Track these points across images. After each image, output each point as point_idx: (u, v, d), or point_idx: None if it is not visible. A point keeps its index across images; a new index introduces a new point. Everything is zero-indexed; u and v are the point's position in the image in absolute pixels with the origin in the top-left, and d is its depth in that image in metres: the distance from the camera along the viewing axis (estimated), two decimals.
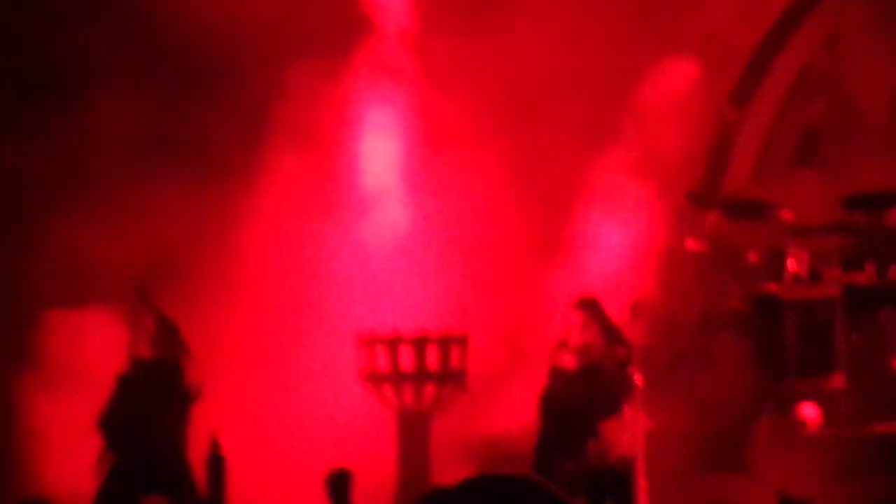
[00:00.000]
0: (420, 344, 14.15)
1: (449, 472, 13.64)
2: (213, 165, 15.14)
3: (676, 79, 16.15)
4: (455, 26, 15.29)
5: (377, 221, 15.44)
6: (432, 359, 14.16)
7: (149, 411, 12.33)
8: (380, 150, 15.94)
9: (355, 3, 15.90)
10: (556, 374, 12.72)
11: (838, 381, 13.67)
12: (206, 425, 12.35)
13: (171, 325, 12.54)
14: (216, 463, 12.32)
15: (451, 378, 14.16)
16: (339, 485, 8.87)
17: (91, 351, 14.07)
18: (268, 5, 15.19)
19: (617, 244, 14.64)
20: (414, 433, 14.11)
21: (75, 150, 15.39)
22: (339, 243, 15.11)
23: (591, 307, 12.80)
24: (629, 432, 12.87)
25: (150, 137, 15.55)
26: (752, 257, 14.69)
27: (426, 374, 14.14)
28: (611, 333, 12.97)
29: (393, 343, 14.12)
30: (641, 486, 12.12)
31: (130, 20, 15.29)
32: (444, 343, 14.17)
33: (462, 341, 14.05)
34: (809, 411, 13.36)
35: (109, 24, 15.21)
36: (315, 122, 15.39)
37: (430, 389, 14.18)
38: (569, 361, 12.80)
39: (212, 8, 14.74)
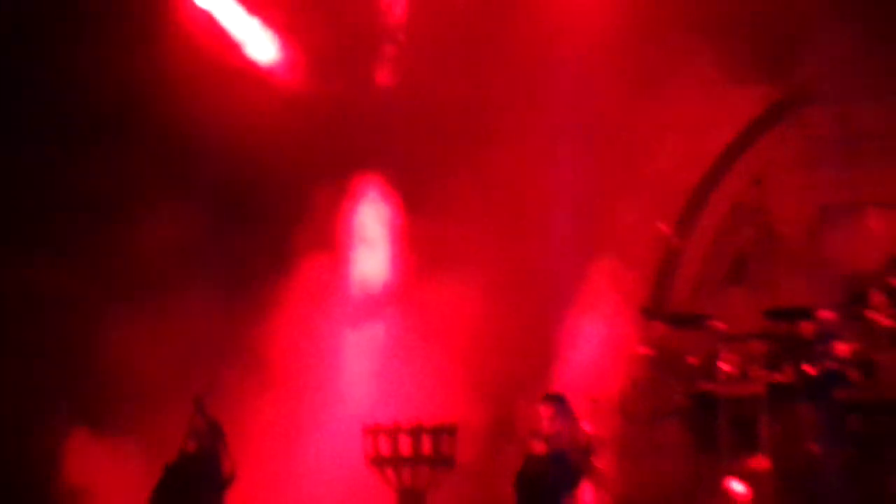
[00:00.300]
0: (416, 433, 15.44)
1: None
2: (243, 275, 16.71)
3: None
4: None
5: (383, 324, 16.83)
6: (426, 445, 15.46)
7: (192, 495, 13.46)
8: (384, 262, 17.18)
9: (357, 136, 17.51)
10: (529, 458, 13.57)
11: (763, 463, 14.32)
12: (238, 500, 13.78)
13: (216, 426, 13.70)
14: None
15: (442, 462, 15.49)
16: None
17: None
18: (288, 137, 16.45)
19: (590, 349, 15.85)
20: None
21: (119, 266, 16.59)
22: (350, 344, 16.68)
23: (558, 401, 13.94)
24: None
25: (188, 252, 16.23)
26: (692, 360, 15.56)
27: (422, 458, 15.42)
28: (574, 424, 14.07)
29: (393, 432, 15.49)
30: None
31: (169, 147, 16.43)
32: (437, 432, 15.52)
33: (452, 430, 15.49)
34: (739, 488, 14.26)
35: (150, 152, 16.37)
36: (329, 238, 16.99)
37: (425, 471, 15.44)
38: (539, 447, 13.58)
39: (241, 137, 16.10)
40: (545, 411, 13.90)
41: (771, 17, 16.85)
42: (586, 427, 14.48)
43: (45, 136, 16.52)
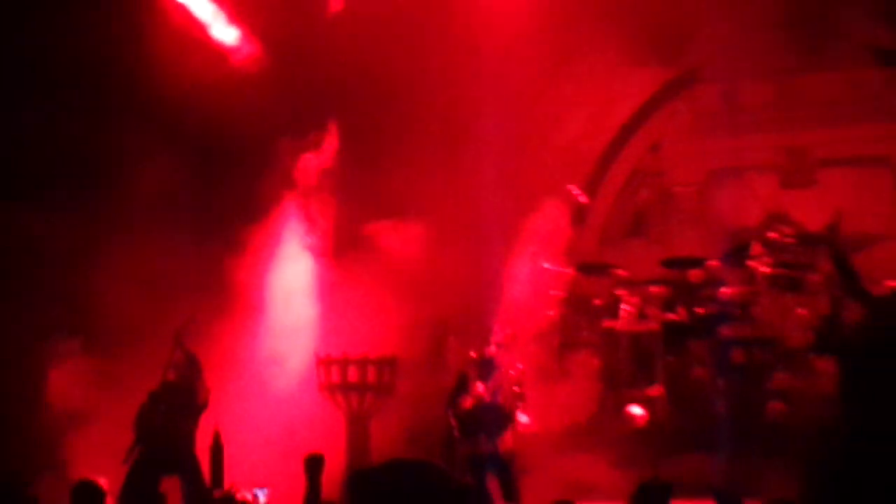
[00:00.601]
0: (363, 364, 16.22)
1: (384, 459, 16.15)
2: (218, 220, 16.96)
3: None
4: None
5: (337, 267, 17.11)
6: (371, 375, 16.22)
7: (170, 418, 13.90)
8: (336, 211, 17.50)
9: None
10: (461, 411, 14.23)
11: (658, 390, 15.78)
12: (210, 423, 14.04)
13: (193, 358, 14.27)
14: (217, 450, 13.95)
15: (385, 389, 16.27)
16: (314, 465, 8.91)
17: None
18: (255, 100, 16.68)
19: (514, 291, 16.58)
20: (358, 430, 16.10)
21: (106, 213, 16.74)
22: (307, 284, 17.16)
23: (486, 365, 14.81)
24: (512, 433, 14.58)
25: (169, 199, 16.68)
26: (598, 302, 16.85)
27: (367, 386, 16.20)
28: (502, 377, 14.90)
29: (343, 363, 16.23)
30: (517, 468, 13.73)
31: (151, 109, 16.38)
32: (381, 363, 16.29)
33: (393, 362, 16.24)
34: (637, 411, 15.52)
35: (135, 113, 16.34)
36: (291, 185, 17.42)
37: (370, 397, 16.23)
38: (468, 403, 14.24)
39: (214, 100, 16.32)
40: (473, 372, 14.77)
41: (666, 5, 17.48)
42: (515, 368, 15.31)
43: (35, 99, 16.50)
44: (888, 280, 11.90)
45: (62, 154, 16.58)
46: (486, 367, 15.04)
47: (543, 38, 17.50)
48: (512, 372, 15.30)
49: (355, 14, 18.37)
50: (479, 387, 14.71)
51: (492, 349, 15.30)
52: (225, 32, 18.52)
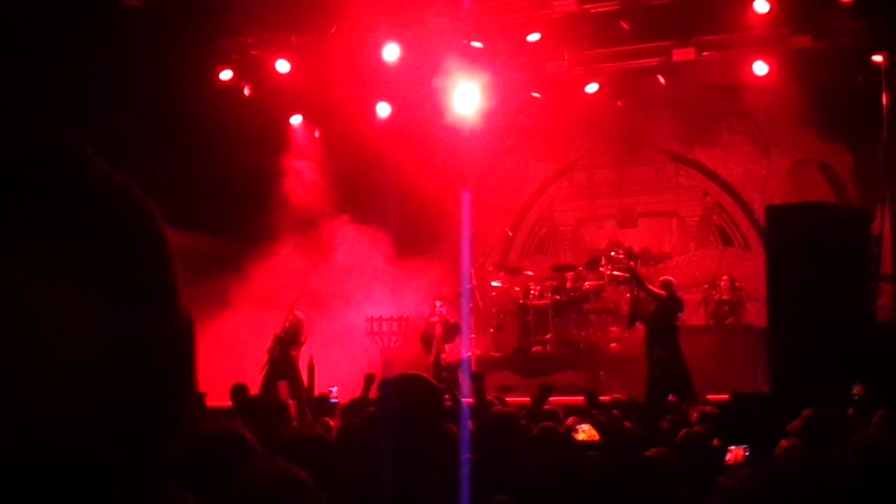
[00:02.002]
0: (390, 323, 17.62)
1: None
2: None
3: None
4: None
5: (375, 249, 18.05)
6: (395, 327, 17.58)
7: (285, 350, 15.45)
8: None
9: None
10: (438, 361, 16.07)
11: (550, 337, 18.18)
12: (307, 353, 15.80)
13: (298, 319, 15.51)
14: (311, 368, 15.85)
15: (402, 336, 17.54)
16: (369, 380, 9.18)
17: None
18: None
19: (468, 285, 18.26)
20: (390, 361, 17.05)
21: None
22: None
23: (453, 329, 16.91)
24: (464, 353, 16.67)
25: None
26: (517, 290, 19.01)
27: (394, 334, 17.59)
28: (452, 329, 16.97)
29: (379, 321, 17.57)
30: (464, 378, 13.94)
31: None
32: (401, 321, 17.66)
33: (405, 321, 17.53)
34: (538, 349, 18.03)
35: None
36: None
37: (395, 340, 17.48)
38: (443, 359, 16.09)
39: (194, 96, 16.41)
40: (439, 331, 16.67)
41: (556, 129, 19.60)
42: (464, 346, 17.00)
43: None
44: (664, 277, 15.47)
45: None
46: (451, 330, 17.32)
47: (488, 144, 20.38)
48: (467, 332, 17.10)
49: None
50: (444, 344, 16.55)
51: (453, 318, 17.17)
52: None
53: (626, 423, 7.86)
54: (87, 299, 1.14)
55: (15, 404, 1.11)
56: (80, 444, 1.13)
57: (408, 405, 3.64)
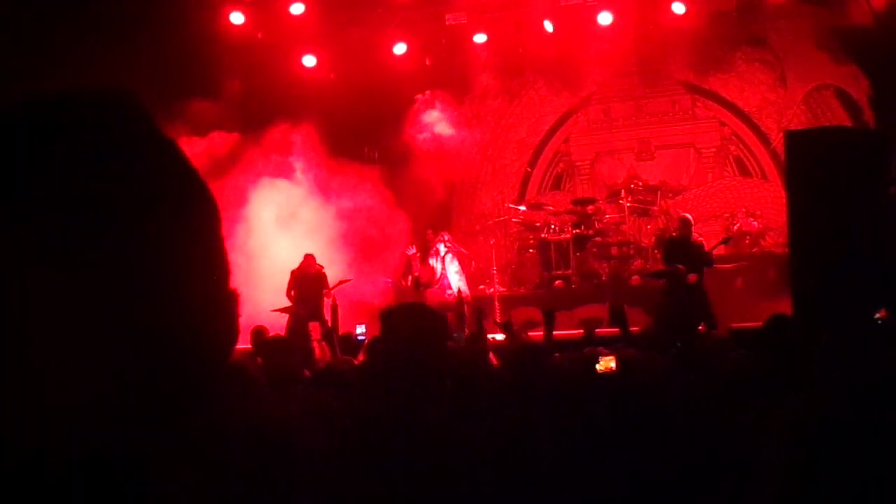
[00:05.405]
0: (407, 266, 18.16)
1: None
2: None
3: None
4: None
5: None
6: (400, 273, 18.19)
7: (314, 290, 15.92)
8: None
9: None
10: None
11: (572, 271, 18.19)
12: (330, 296, 15.92)
13: (325, 283, 16.06)
14: (335, 310, 16.15)
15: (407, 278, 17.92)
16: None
17: None
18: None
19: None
20: (410, 295, 17.17)
21: None
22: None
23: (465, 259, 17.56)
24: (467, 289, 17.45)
25: None
26: (539, 222, 18.91)
27: (401, 278, 18.18)
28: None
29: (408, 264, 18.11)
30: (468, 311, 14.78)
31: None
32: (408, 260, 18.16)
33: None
34: (558, 283, 17.90)
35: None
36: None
37: (408, 283, 17.86)
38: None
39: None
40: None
41: (573, 60, 19.50)
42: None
43: None
44: (682, 214, 15.76)
45: None
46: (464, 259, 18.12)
47: (503, 77, 20.51)
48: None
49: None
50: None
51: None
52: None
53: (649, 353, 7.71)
54: (143, 256, 1.13)
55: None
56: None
57: (407, 333, 3.67)
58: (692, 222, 15.12)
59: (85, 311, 1.10)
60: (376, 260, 18.10)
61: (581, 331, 10.37)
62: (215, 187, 1.25)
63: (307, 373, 6.92)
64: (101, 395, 1.11)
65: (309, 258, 16.31)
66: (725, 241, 15.92)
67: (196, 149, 16.47)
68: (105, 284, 1.11)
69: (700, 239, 15.12)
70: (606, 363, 6.17)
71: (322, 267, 16.39)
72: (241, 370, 3.25)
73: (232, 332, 1.23)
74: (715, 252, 15.21)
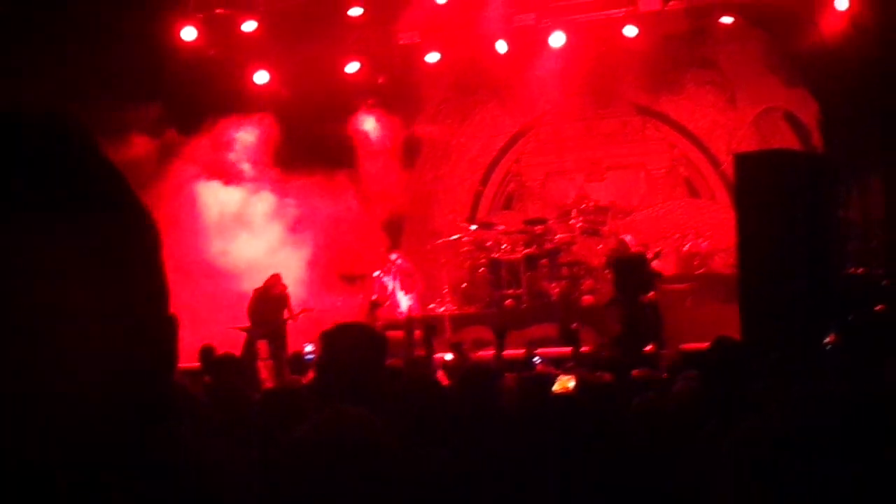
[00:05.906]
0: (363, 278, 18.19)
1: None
2: None
3: None
4: None
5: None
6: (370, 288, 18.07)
7: (272, 311, 15.81)
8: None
9: None
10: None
11: (522, 293, 18.00)
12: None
13: (287, 305, 16.07)
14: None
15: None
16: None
17: None
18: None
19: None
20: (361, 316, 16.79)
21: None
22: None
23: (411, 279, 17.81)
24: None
25: None
26: (490, 242, 18.84)
27: (371, 302, 17.93)
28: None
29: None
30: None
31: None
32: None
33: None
34: (509, 302, 17.89)
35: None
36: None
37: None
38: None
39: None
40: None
41: (521, 87, 19.65)
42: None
43: None
44: (621, 236, 16.50)
45: None
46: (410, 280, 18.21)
47: (456, 96, 20.82)
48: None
49: None
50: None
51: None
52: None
53: (603, 374, 7.82)
54: (86, 279, 1.11)
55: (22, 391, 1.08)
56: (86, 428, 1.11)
57: (346, 353, 3.75)
58: (629, 244, 15.42)
59: (17, 342, 1.08)
60: (331, 279, 18.31)
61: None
62: (163, 189, 1.26)
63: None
64: (25, 430, 1.09)
65: (274, 278, 16.25)
66: (656, 257, 16.07)
67: (145, 149, 16.80)
68: (38, 312, 1.09)
69: (652, 259, 15.42)
70: (564, 384, 6.16)
71: (286, 287, 16.32)
72: (183, 395, 3.10)
73: (169, 360, 1.21)
74: (663, 272, 15.50)
